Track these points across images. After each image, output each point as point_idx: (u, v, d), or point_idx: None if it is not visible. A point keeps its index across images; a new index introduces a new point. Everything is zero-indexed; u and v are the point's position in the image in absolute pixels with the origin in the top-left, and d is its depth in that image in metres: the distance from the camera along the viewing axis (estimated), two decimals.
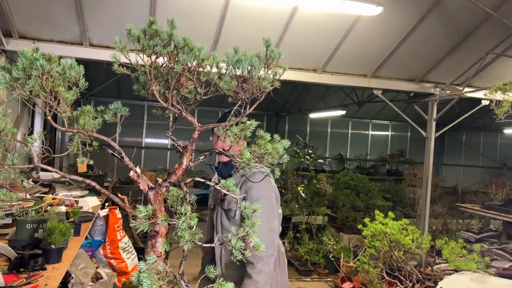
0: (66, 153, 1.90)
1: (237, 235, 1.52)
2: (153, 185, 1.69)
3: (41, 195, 4.37)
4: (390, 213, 3.41)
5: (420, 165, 7.72)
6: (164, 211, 1.73)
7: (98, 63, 4.98)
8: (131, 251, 4.73)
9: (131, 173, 1.67)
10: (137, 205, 1.52)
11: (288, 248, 6.42)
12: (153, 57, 1.69)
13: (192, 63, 1.60)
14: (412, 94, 6.49)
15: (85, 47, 4.63)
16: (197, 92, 1.68)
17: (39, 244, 2.59)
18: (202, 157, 1.93)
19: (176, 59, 1.61)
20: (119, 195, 5.54)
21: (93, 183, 1.75)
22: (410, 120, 6.35)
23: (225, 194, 2.14)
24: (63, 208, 3.83)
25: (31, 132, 7.06)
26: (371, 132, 14.24)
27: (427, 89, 6.01)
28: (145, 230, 1.47)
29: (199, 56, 1.61)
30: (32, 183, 4.88)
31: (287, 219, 7.69)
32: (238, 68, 1.63)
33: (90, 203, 4.48)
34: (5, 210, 1.73)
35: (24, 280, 2.21)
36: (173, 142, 1.89)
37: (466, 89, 5.72)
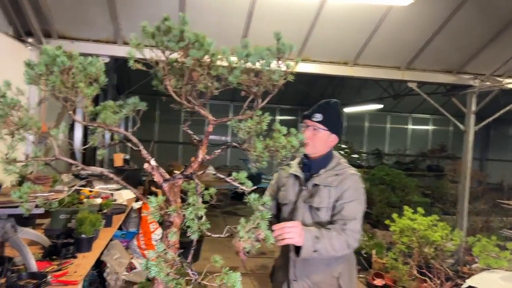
0: (87, 146, 1.99)
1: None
2: (168, 178, 1.74)
3: (79, 188, 4.58)
4: (419, 209, 3.32)
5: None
6: (181, 203, 1.78)
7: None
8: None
9: (146, 165, 1.73)
10: (149, 197, 1.57)
11: None
12: (167, 53, 1.75)
13: (202, 58, 1.63)
14: (449, 86, 6.25)
15: (119, 45, 4.80)
16: (208, 86, 1.72)
17: (71, 234, 2.73)
18: (219, 150, 1.97)
19: (188, 54, 1.65)
20: (154, 188, 5.71)
21: (112, 176, 1.83)
22: (452, 113, 6.11)
23: (312, 193, 2.28)
24: (98, 201, 4.02)
25: (72, 127, 7.36)
26: (410, 127, 13.85)
27: (465, 81, 5.77)
28: (158, 220, 1.52)
29: (209, 51, 1.64)
30: (72, 177, 5.13)
31: None
32: (247, 62, 1.65)
33: (125, 196, 4.65)
34: (32, 201, 1.83)
35: (56, 266, 2.35)
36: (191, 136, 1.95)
37: (508, 80, 5.45)
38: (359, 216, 2.17)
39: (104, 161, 9.56)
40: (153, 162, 1.76)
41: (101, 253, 4.31)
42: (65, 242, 2.65)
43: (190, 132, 1.96)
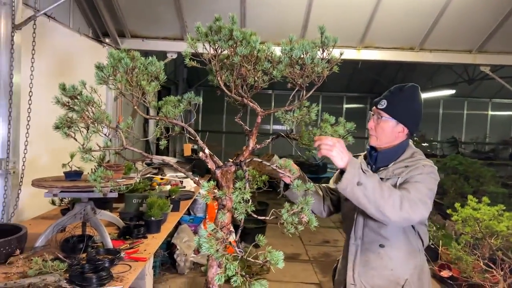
0: (150, 137, 2.21)
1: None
2: (220, 165, 1.90)
3: (152, 175, 4.97)
4: (485, 198, 3.18)
5: None
6: (233, 188, 1.92)
7: None
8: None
9: (201, 154, 1.91)
10: (203, 182, 1.74)
11: None
12: (218, 50, 1.89)
13: (249, 54, 1.75)
14: None
15: (185, 41, 5.07)
16: (255, 80, 1.84)
17: (142, 217, 3.02)
18: (269, 140, 2.09)
19: (236, 51, 1.78)
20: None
21: (172, 163, 2.03)
22: None
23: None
24: (168, 187, 4.34)
25: (146, 121, 7.86)
26: (490, 113, 12.91)
27: None
28: (207, 203, 1.69)
29: (255, 48, 1.76)
30: (146, 166, 5.55)
31: None
32: (291, 56, 1.74)
33: (192, 183, 4.96)
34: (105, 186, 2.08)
35: (128, 245, 2.63)
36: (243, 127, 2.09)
37: None
38: (424, 194, 1.79)
39: (176, 151, 10.15)
40: (206, 151, 1.93)
41: (172, 236, 4.67)
42: (137, 223, 2.94)
43: (241, 123, 2.10)
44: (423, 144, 8.22)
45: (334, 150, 1.77)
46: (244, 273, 1.45)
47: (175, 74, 9.95)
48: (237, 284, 1.41)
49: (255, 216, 1.65)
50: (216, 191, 1.66)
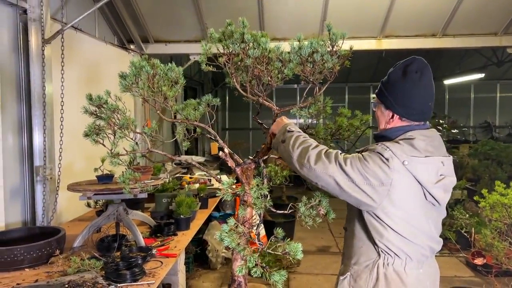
0: (173, 140, 2.32)
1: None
2: (240, 163, 1.99)
3: (181, 175, 5.12)
4: None
5: None
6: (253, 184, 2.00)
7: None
8: (258, 223, 5.22)
9: (220, 153, 2.00)
10: (222, 179, 1.83)
11: None
12: (232, 53, 1.98)
13: (260, 55, 1.82)
14: None
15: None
16: (269, 80, 1.91)
17: (172, 215, 3.15)
18: None
19: (248, 53, 1.86)
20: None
21: (195, 163, 2.13)
22: None
23: None
24: (197, 186, 4.47)
25: (174, 124, 8.02)
26: None
27: None
28: (228, 199, 1.78)
29: (265, 49, 1.83)
30: (175, 166, 5.72)
31: None
32: (301, 54, 1.80)
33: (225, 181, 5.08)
34: (133, 188, 2.21)
35: (159, 242, 2.77)
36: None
37: None
38: (351, 159, 1.58)
39: (205, 150, 10.34)
40: (226, 150, 2.02)
41: (203, 233, 4.81)
42: (167, 222, 3.07)
43: (259, 121, 2.18)
44: (453, 131, 8.01)
45: (275, 125, 1.90)
46: (264, 265, 1.54)
47: (200, 74, 10.12)
48: (256, 275, 1.49)
49: (274, 210, 1.73)
50: (235, 187, 1.74)
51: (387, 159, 1.55)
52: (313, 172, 1.59)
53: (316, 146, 1.66)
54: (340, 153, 1.64)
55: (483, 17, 4.97)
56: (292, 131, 1.77)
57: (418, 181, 1.57)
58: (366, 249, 1.70)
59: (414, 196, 1.59)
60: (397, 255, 1.62)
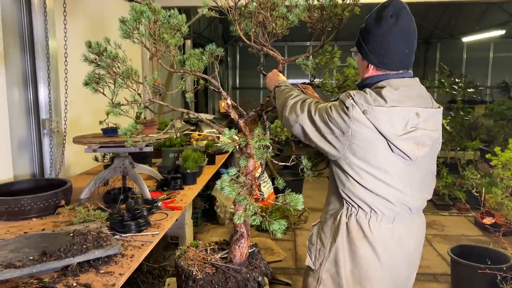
0: (175, 91, 2.27)
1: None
2: (242, 114, 1.94)
3: (189, 132, 5.11)
4: None
5: None
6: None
7: None
8: (266, 181, 5.24)
9: (223, 104, 1.95)
10: (224, 130, 1.79)
11: None
12: None
13: (264, 0, 1.73)
14: None
15: None
16: (274, 27, 1.82)
17: (179, 170, 3.15)
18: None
19: None
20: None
21: (203, 119, 2.09)
22: None
23: None
24: (205, 142, 4.46)
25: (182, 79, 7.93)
26: None
27: None
28: (229, 150, 1.75)
29: None
30: (184, 123, 5.70)
31: None
32: None
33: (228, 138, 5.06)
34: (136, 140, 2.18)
35: (165, 195, 2.78)
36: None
37: None
38: (318, 107, 1.59)
39: (215, 108, 10.29)
40: (229, 101, 1.97)
41: (212, 189, 4.85)
42: (174, 176, 3.07)
43: (263, 73, 2.11)
44: (468, 90, 7.79)
45: (267, 81, 1.92)
46: (264, 214, 1.52)
47: (210, 30, 9.91)
48: (255, 223, 1.48)
49: (276, 162, 1.70)
50: (236, 137, 1.71)
51: (347, 108, 1.50)
52: (285, 121, 1.63)
53: (296, 96, 1.68)
54: (316, 103, 1.62)
55: None
56: (280, 86, 1.80)
57: (380, 132, 1.49)
58: (334, 199, 1.70)
59: (376, 147, 1.52)
60: (360, 207, 1.59)
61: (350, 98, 1.50)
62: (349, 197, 1.60)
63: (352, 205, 1.61)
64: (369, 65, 1.63)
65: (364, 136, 1.50)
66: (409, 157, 1.53)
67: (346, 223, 1.61)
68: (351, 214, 1.61)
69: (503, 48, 11.82)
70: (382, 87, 1.53)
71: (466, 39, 10.48)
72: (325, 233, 1.68)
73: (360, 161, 1.53)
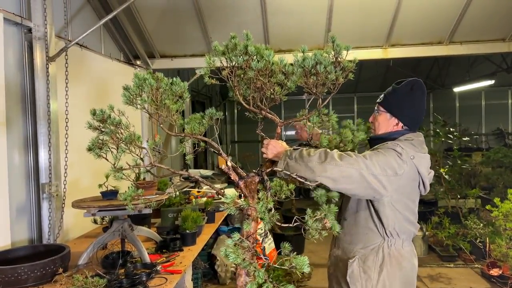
0: (177, 153, 2.30)
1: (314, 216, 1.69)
2: (243, 176, 1.95)
3: (189, 189, 5.09)
4: None
5: None
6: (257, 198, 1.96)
7: None
8: (267, 237, 5.16)
9: (223, 166, 1.96)
10: (225, 192, 1.80)
11: (431, 234, 6.09)
12: (235, 65, 1.95)
13: (263, 68, 1.80)
14: None
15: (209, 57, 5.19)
16: (272, 93, 1.88)
17: (178, 230, 3.11)
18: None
19: (251, 65, 1.84)
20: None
21: (197, 177, 2.10)
22: None
23: None
24: (204, 200, 4.43)
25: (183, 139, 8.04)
26: None
27: None
28: (232, 213, 1.73)
29: (268, 61, 1.80)
30: (183, 180, 5.70)
31: (431, 204, 7.29)
32: (304, 66, 1.77)
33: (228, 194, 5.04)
34: (137, 204, 2.18)
35: (165, 258, 2.72)
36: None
37: None
38: (370, 156, 1.83)
39: (214, 163, 10.31)
40: (229, 163, 1.98)
41: (212, 248, 4.76)
42: (173, 237, 3.03)
43: (262, 134, 2.15)
44: (464, 139, 7.89)
45: (268, 149, 2.02)
46: (271, 280, 1.49)
47: (208, 88, 10.16)
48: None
49: (279, 224, 1.69)
50: (239, 201, 1.71)
51: (400, 153, 1.87)
52: (339, 168, 1.77)
53: (327, 151, 1.87)
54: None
55: (490, 23, 4.91)
56: (298, 148, 1.96)
57: (419, 173, 1.92)
58: (372, 236, 2.00)
59: (413, 185, 1.94)
60: (398, 236, 1.97)
61: (399, 145, 1.90)
62: (390, 231, 1.95)
63: (392, 237, 1.96)
64: (399, 124, 2.06)
65: (410, 175, 1.89)
66: (425, 191, 2.01)
67: (389, 252, 1.96)
68: (391, 244, 1.97)
69: (494, 96, 12.14)
70: (411, 139, 1.97)
71: (457, 89, 10.76)
72: (369, 266, 1.97)
73: (405, 198, 1.93)
